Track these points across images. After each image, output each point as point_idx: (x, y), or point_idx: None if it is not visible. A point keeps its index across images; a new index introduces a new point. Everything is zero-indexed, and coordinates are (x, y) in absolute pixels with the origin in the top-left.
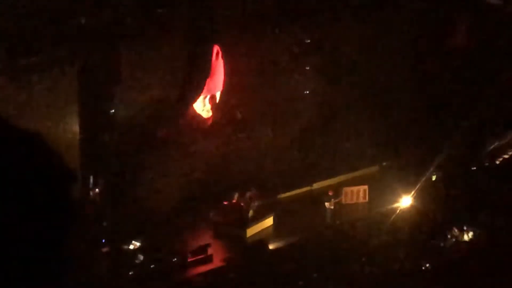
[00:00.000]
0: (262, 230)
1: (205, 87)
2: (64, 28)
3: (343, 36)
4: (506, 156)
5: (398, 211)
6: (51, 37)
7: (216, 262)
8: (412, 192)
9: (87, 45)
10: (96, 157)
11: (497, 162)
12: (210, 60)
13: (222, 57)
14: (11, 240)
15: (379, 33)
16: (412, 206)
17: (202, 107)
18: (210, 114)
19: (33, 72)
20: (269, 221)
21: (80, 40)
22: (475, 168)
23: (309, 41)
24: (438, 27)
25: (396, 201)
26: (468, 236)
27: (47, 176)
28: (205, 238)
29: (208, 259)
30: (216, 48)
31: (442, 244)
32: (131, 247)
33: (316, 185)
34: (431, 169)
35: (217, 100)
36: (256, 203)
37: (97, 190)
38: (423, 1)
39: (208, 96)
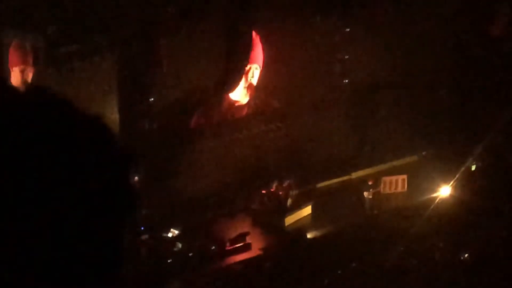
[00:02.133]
0: (301, 219)
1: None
2: (103, 16)
3: (381, 26)
4: None
5: (437, 201)
6: (90, 25)
7: (255, 251)
8: (451, 182)
9: (127, 33)
10: (135, 145)
11: None
12: (250, 46)
13: (260, 40)
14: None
15: (419, 20)
16: (451, 196)
17: (242, 92)
18: (247, 100)
19: (73, 60)
20: (307, 210)
21: (120, 27)
22: None
23: (348, 29)
24: (481, 13)
25: (435, 191)
26: (507, 226)
27: (96, 164)
28: (244, 226)
29: (247, 248)
30: (256, 31)
31: (482, 235)
32: (170, 235)
33: (354, 174)
34: (471, 159)
35: (253, 91)
36: (294, 192)
37: (136, 178)
38: None
39: (249, 80)
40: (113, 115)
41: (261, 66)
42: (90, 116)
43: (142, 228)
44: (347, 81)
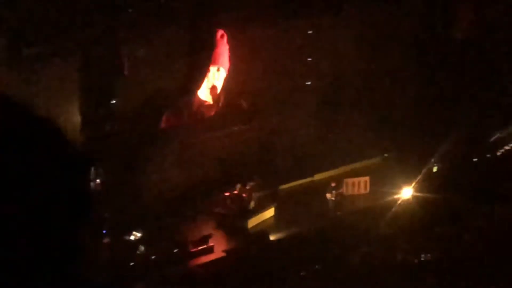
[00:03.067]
0: (264, 221)
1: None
2: (66, 19)
3: (345, 28)
4: (507, 148)
5: (399, 202)
6: (53, 28)
7: (218, 253)
8: (413, 183)
9: (90, 36)
10: (97, 148)
11: (498, 154)
12: (212, 47)
13: (227, 41)
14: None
15: (382, 24)
16: (413, 197)
17: (207, 93)
18: (213, 100)
19: (36, 62)
20: (270, 212)
21: (83, 31)
22: (476, 159)
23: (311, 32)
24: (441, 19)
25: (397, 193)
26: (469, 227)
27: (52, 166)
28: (207, 228)
29: (210, 250)
30: (220, 32)
31: (442, 235)
32: (132, 238)
33: (317, 176)
34: (432, 160)
35: (218, 91)
36: (257, 194)
37: (98, 181)
38: None
39: (211, 82)
40: (75, 118)
41: (226, 67)
42: (48, 119)
43: (105, 231)
44: (309, 83)
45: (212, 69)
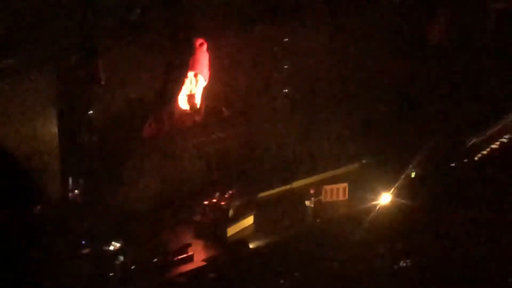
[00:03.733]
0: (243, 229)
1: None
2: (41, 30)
3: (322, 36)
4: (484, 153)
5: (377, 208)
6: (28, 39)
7: (197, 262)
8: (392, 189)
9: (65, 47)
10: (75, 158)
11: (476, 159)
12: (190, 53)
13: (207, 50)
14: None
15: (357, 31)
16: (391, 203)
17: (186, 101)
18: (192, 109)
19: (11, 74)
20: (249, 220)
21: (58, 41)
22: (454, 164)
23: (287, 39)
24: (417, 25)
25: (375, 199)
26: (447, 232)
27: (23, 179)
28: (186, 238)
29: (189, 259)
30: (200, 40)
31: (421, 241)
32: (111, 248)
33: (296, 184)
34: (410, 166)
35: (196, 100)
36: (236, 202)
37: (76, 191)
38: None
39: (189, 89)
40: (52, 129)
41: (206, 75)
42: (12, 134)
43: (83, 242)
44: (287, 90)
45: (190, 75)
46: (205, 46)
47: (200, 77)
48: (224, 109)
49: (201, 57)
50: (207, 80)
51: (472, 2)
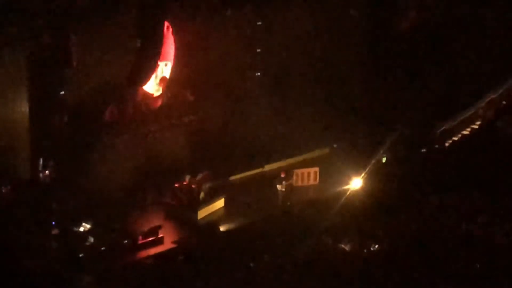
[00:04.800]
0: (214, 212)
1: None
2: (14, 10)
3: (294, 20)
4: (455, 138)
5: (348, 193)
6: (0, 18)
7: (167, 244)
8: (363, 174)
9: (37, 27)
10: (46, 139)
11: (447, 144)
12: (161, 39)
13: (172, 33)
14: None
15: (330, 15)
16: (362, 188)
17: (154, 85)
18: (160, 92)
19: None
20: (220, 203)
21: (30, 21)
22: (424, 150)
23: (260, 23)
24: (388, 10)
25: (346, 183)
26: (417, 217)
27: None
28: (156, 220)
29: (159, 241)
30: (166, 24)
31: (391, 226)
32: (81, 229)
33: (267, 167)
34: (381, 151)
35: (161, 84)
36: (207, 185)
37: (47, 172)
38: None
39: (159, 76)
40: (23, 109)
41: (172, 60)
42: None
43: (54, 223)
44: (259, 74)
45: (161, 64)
46: (170, 30)
47: (168, 63)
48: (187, 93)
49: (168, 41)
50: (172, 63)
51: None
